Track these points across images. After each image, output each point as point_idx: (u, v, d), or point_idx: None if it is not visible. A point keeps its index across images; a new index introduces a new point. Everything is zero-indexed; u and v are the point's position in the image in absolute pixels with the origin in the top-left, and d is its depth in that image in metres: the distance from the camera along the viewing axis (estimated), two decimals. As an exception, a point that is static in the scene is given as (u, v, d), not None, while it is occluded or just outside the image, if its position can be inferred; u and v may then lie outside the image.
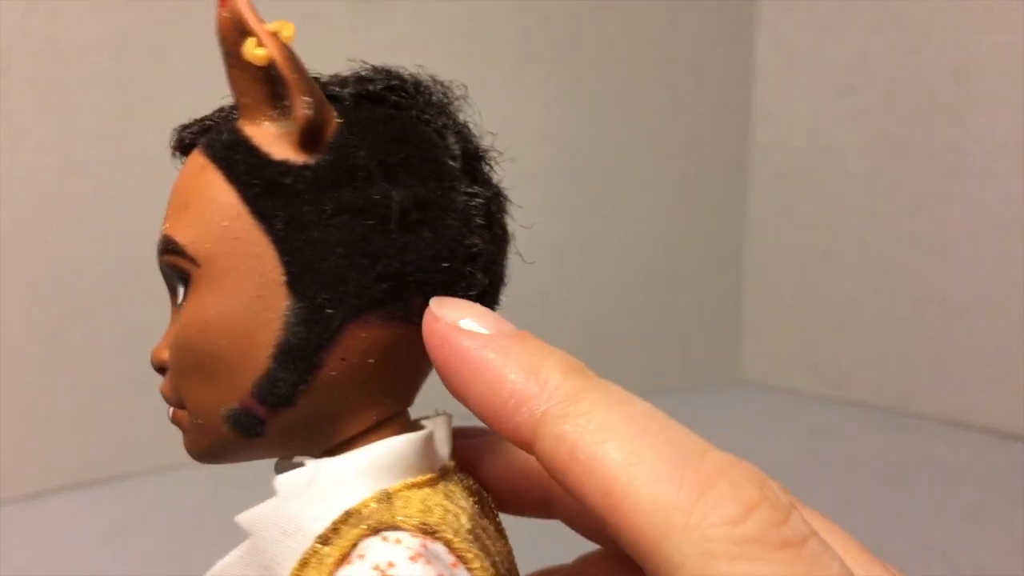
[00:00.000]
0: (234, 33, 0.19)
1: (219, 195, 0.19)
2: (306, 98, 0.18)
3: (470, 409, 0.18)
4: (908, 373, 0.95)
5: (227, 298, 0.19)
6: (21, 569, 0.59)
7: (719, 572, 0.15)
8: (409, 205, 0.19)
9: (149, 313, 0.74)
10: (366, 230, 0.19)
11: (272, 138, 0.19)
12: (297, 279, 0.19)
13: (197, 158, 0.20)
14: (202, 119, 0.21)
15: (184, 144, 0.21)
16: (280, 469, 0.20)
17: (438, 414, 0.21)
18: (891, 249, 0.96)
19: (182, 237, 0.19)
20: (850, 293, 1.00)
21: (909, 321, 0.95)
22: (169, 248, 0.20)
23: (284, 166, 0.19)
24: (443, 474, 0.20)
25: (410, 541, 0.18)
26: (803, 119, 1.02)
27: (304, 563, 0.18)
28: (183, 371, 0.20)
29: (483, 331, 0.18)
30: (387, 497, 0.19)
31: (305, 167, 0.19)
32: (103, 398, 0.71)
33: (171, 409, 0.20)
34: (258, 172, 0.19)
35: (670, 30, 0.98)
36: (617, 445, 0.17)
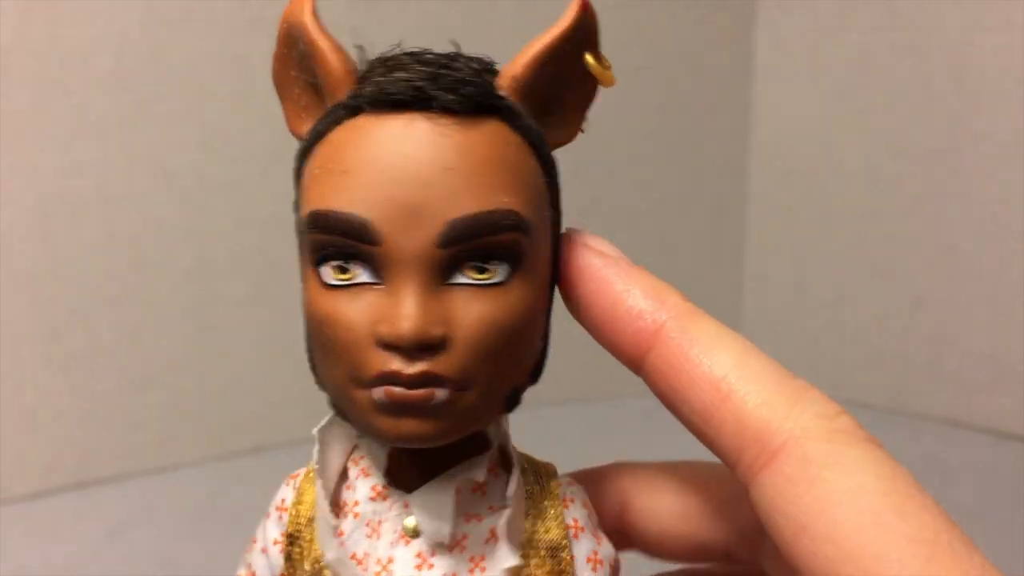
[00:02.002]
0: (584, 38, 0.20)
1: (538, 181, 0.20)
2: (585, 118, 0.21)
3: (587, 324, 0.21)
4: (907, 373, 0.95)
5: (539, 279, 0.20)
6: (21, 569, 0.59)
7: (816, 449, 0.18)
8: None
9: (149, 313, 0.74)
10: None
11: (550, 138, 0.21)
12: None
13: (506, 133, 0.20)
14: (475, 81, 0.20)
15: (469, 104, 0.19)
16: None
17: None
18: (891, 249, 0.96)
19: (527, 215, 0.19)
20: (850, 293, 1.00)
21: (909, 321, 0.95)
22: (519, 226, 0.19)
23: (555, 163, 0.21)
24: None
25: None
26: (803, 119, 1.02)
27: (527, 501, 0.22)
28: (493, 352, 0.19)
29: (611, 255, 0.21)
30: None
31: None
32: (103, 398, 0.71)
33: (443, 391, 0.19)
34: (552, 167, 0.21)
35: (670, 30, 0.97)
36: (728, 354, 0.20)
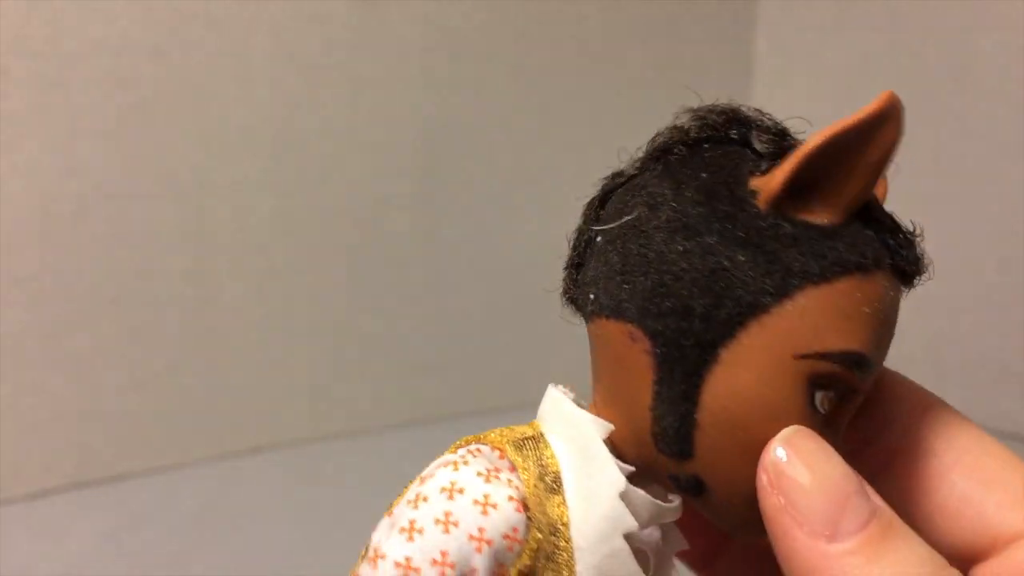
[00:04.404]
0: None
1: None
2: None
3: None
4: (908, 373, 0.95)
5: None
6: (21, 569, 0.59)
7: None
8: None
9: (149, 313, 0.74)
10: None
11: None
12: None
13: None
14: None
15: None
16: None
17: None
18: (891, 249, 0.96)
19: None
20: (850, 293, 1.00)
21: (909, 321, 0.94)
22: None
23: None
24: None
25: None
26: (803, 119, 1.02)
27: None
28: None
29: (823, 518, 0.18)
30: None
31: None
32: (103, 398, 0.71)
33: None
34: None
35: (670, 30, 0.98)
36: None
